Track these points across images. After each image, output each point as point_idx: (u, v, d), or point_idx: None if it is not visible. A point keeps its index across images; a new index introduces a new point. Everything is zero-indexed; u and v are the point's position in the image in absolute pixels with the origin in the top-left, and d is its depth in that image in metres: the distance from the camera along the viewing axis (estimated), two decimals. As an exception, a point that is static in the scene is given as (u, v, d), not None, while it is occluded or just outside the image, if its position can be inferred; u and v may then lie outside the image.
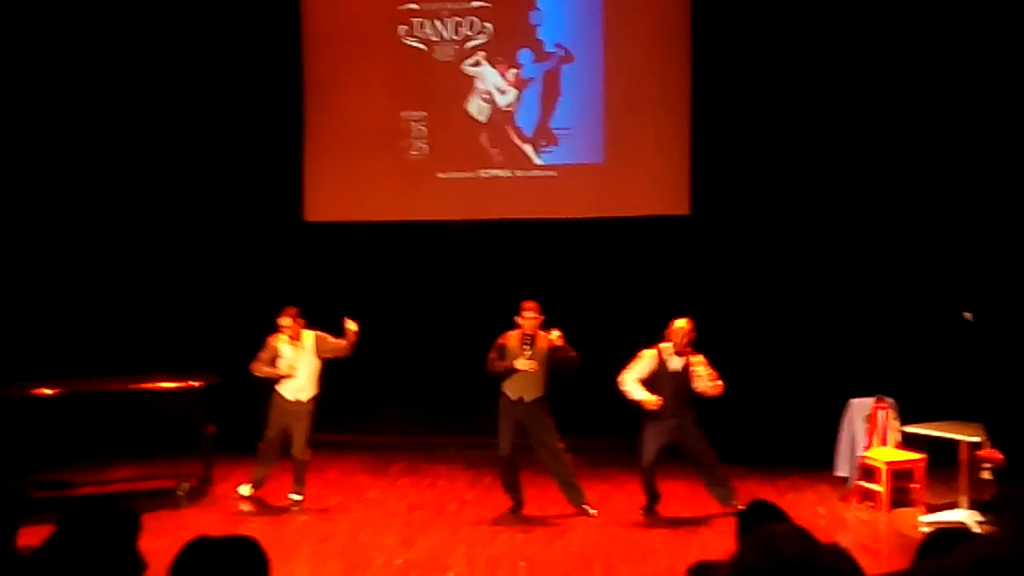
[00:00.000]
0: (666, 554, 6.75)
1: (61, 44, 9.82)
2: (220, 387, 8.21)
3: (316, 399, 7.86)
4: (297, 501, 7.79)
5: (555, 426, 7.51)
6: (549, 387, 7.52)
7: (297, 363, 7.75)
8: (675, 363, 7.42)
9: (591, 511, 7.58)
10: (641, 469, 7.49)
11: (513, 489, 7.66)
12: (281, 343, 7.76)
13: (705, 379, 7.34)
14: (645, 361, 7.46)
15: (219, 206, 10.11)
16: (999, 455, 7.13)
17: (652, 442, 7.38)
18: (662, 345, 7.47)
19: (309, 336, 7.81)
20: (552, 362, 7.45)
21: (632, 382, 7.43)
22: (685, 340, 7.40)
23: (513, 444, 7.47)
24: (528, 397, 7.43)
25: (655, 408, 7.33)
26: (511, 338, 7.48)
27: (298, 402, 7.77)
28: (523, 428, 7.48)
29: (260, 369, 7.78)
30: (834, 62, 9.24)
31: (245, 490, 7.97)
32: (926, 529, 7.10)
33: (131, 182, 10.05)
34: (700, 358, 7.44)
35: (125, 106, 10.01)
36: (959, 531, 3.10)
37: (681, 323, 7.43)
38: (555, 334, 7.40)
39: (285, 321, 7.73)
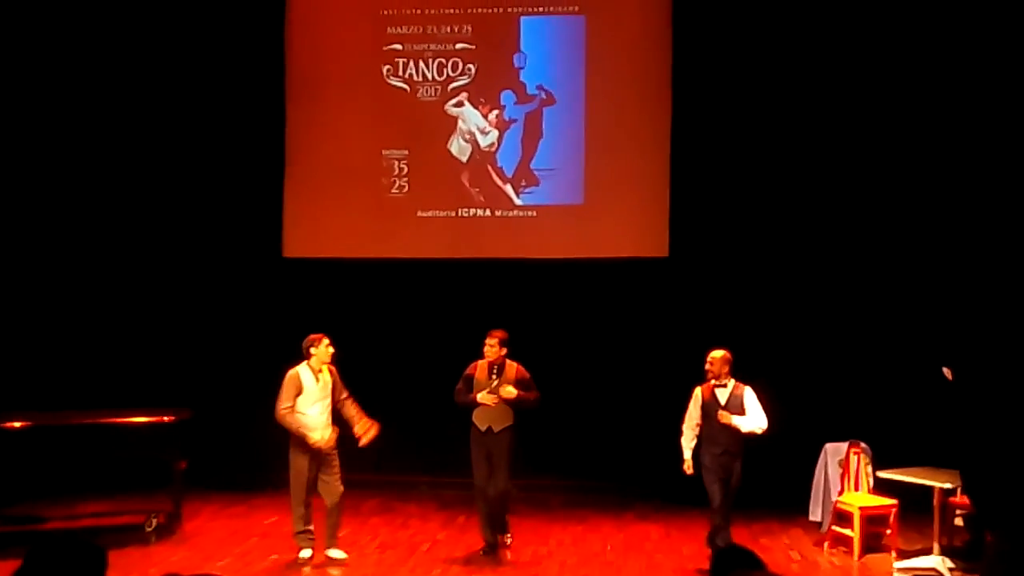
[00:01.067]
0: (638, 597, 6.72)
1: (39, 79, 9.86)
2: (193, 422, 8.11)
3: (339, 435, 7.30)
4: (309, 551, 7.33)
5: (510, 461, 7.38)
6: (518, 415, 7.40)
7: (319, 399, 7.11)
8: (722, 395, 7.18)
9: (507, 541, 7.62)
10: (712, 511, 7.14)
11: (490, 524, 7.55)
12: (303, 376, 7.10)
13: (733, 418, 7.01)
14: (693, 402, 7.26)
15: (198, 241, 10.07)
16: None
17: (711, 482, 7.12)
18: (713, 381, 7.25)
19: (326, 370, 7.25)
20: (513, 403, 7.34)
21: (687, 432, 7.23)
22: (725, 369, 7.16)
23: (488, 474, 7.40)
24: (497, 427, 7.37)
25: (688, 474, 7.17)
26: (479, 368, 7.45)
27: (322, 440, 7.15)
28: (491, 457, 7.41)
29: (288, 421, 6.99)
30: (814, 106, 9.36)
31: (336, 553, 7.28)
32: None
33: (110, 216, 10.02)
34: (747, 388, 7.19)
35: (106, 142, 10.00)
36: None
37: (716, 353, 7.20)
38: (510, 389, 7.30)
39: (322, 345, 7.09)
